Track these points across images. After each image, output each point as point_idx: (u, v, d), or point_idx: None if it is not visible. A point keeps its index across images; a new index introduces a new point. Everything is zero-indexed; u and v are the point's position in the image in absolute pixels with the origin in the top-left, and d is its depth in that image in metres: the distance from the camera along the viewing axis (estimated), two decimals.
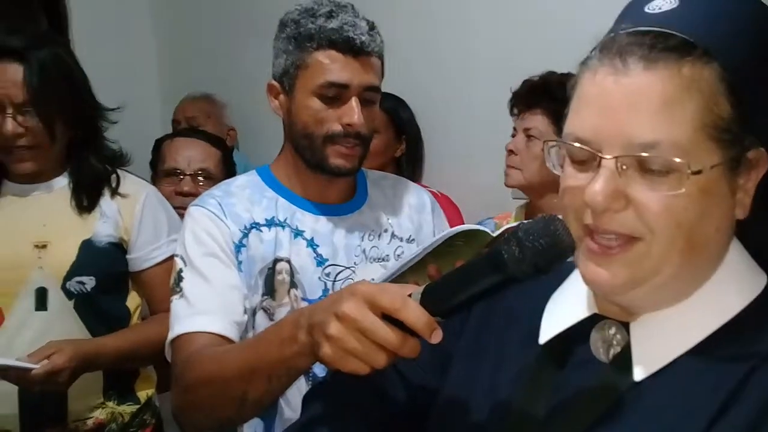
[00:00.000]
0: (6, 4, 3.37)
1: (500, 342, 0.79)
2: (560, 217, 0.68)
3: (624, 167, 0.64)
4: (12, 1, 3.46)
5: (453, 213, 2.19)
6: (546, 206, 1.77)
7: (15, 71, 1.47)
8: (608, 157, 0.64)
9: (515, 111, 1.81)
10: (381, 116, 2.31)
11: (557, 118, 1.68)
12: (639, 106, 0.63)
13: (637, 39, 0.65)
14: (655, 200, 0.64)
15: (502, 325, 0.80)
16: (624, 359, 0.69)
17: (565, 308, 0.76)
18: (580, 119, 0.67)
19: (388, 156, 2.40)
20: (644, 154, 0.63)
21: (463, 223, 1.88)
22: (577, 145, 0.66)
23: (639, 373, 0.68)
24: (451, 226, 1.34)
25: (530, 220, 0.68)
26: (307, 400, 0.89)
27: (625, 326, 0.71)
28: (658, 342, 0.69)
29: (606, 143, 0.64)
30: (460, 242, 1.20)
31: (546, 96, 1.73)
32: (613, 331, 0.71)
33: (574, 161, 0.68)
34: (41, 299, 1.52)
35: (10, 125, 1.48)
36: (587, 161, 0.66)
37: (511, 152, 1.79)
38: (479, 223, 1.90)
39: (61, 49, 1.58)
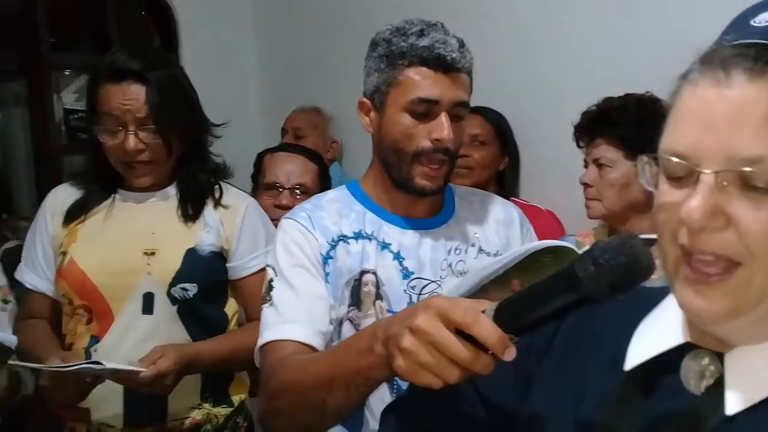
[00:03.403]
0: (125, 26, 3.62)
1: (584, 366, 0.77)
2: (639, 236, 0.65)
3: (724, 183, 0.60)
4: (130, 24, 3.70)
5: (557, 230, 2.15)
6: (629, 231, 1.73)
7: (137, 91, 1.55)
8: (707, 171, 0.60)
9: (581, 144, 1.79)
10: (488, 129, 2.32)
11: (622, 142, 1.66)
12: (743, 120, 0.59)
13: (742, 51, 0.62)
14: (759, 220, 0.59)
15: (588, 350, 0.78)
16: (717, 391, 0.66)
17: (656, 335, 0.72)
18: (678, 133, 0.64)
19: (494, 169, 2.39)
20: (747, 169, 0.59)
21: None
22: (674, 159, 0.63)
23: (732, 407, 0.64)
24: None
25: (607, 239, 0.67)
26: (386, 414, 0.90)
27: (720, 357, 0.67)
28: (755, 375, 0.65)
29: (705, 158, 0.61)
30: (547, 258, 1.18)
31: (606, 124, 1.70)
32: (706, 361, 0.67)
33: (670, 178, 0.64)
34: (148, 304, 1.59)
35: (132, 141, 1.57)
36: (684, 178, 0.63)
37: (586, 185, 1.77)
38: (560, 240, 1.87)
39: (176, 69, 1.67)
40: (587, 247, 0.69)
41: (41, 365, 1.44)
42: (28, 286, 1.71)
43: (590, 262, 0.64)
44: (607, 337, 0.76)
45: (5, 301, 1.68)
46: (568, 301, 0.66)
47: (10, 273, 1.74)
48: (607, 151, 1.71)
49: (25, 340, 1.44)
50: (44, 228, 1.69)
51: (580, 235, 1.87)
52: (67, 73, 4.14)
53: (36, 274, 1.70)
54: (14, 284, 1.73)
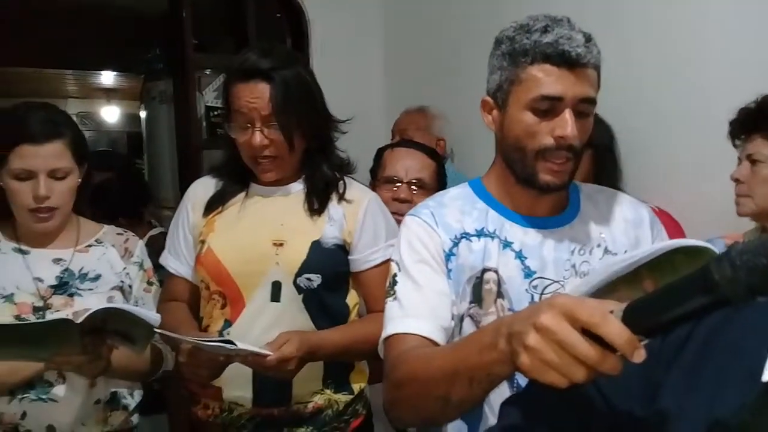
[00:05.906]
0: (261, 27, 3.79)
1: (718, 377, 0.74)
2: None
3: None
4: (266, 25, 3.87)
5: (674, 231, 2.05)
6: None
7: (263, 89, 1.62)
8: None
9: (736, 142, 1.73)
10: None
11: None
12: None
13: None
14: None
15: (723, 359, 0.74)
16: None
17: None
18: None
19: (581, 178, 2.22)
20: None
21: None
22: None
23: None
24: None
25: (746, 241, 0.64)
26: (505, 406, 0.90)
27: None
28: None
29: None
30: (680, 258, 1.13)
31: (764, 119, 1.64)
32: None
33: None
34: (276, 292, 1.66)
35: (258, 137, 1.64)
36: None
37: (738, 181, 1.72)
38: (708, 242, 1.78)
39: (302, 68, 1.72)
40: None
41: (181, 335, 1.54)
42: (171, 271, 1.83)
43: (728, 263, 0.61)
44: (745, 347, 0.73)
45: (150, 283, 1.83)
46: (703, 304, 0.64)
47: (154, 257, 1.88)
48: (762, 147, 1.65)
49: (167, 320, 1.55)
50: (186, 218, 1.80)
51: (731, 237, 1.77)
52: (207, 73, 4.39)
53: (178, 260, 1.82)
54: (158, 268, 1.87)
